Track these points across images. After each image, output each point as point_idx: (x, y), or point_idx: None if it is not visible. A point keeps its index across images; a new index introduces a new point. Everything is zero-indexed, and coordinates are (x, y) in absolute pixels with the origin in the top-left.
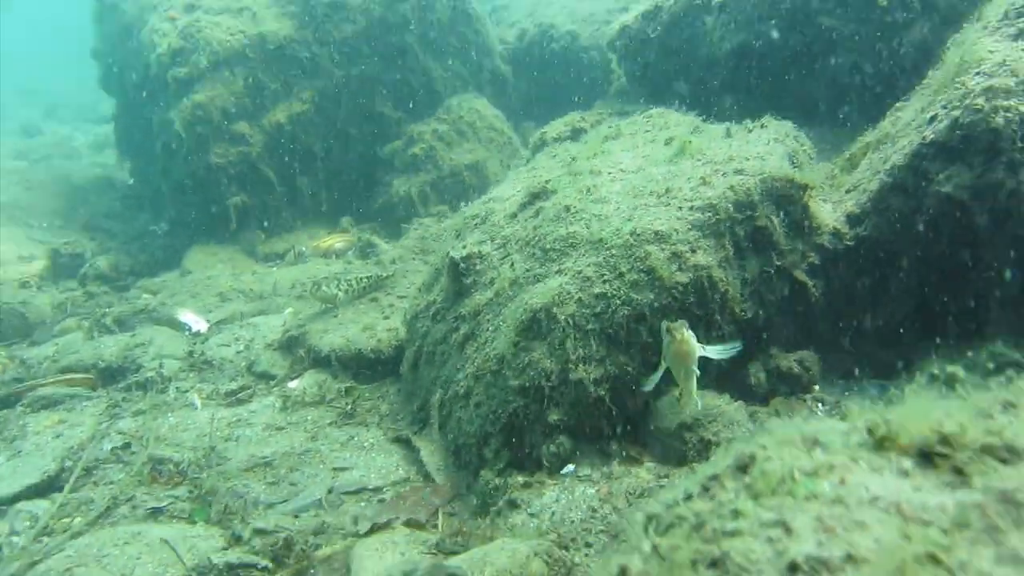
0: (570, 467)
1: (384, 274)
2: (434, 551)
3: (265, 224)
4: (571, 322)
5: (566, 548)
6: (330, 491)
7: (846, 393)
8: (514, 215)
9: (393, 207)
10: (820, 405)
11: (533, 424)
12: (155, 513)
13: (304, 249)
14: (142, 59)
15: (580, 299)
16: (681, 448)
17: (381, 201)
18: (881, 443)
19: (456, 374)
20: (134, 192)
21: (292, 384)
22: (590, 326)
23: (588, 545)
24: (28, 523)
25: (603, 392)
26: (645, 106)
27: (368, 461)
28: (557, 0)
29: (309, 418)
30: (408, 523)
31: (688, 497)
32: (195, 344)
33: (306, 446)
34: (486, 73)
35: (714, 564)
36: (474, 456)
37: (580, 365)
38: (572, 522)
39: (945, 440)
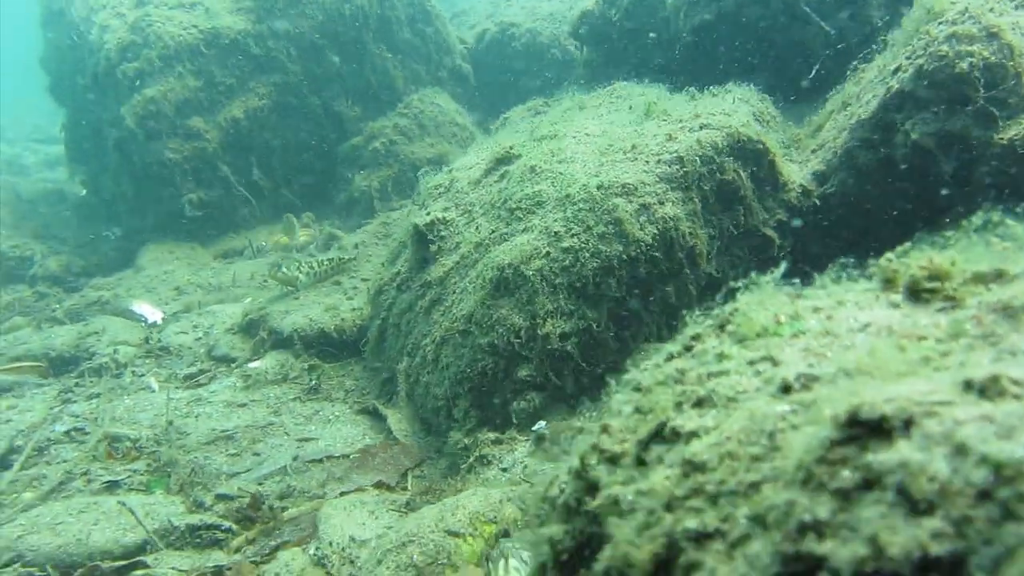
0: (541, 423)
1: (346, 256)
2: (403, 510)
3: (222, 221)
4: (539, 276)
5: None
6: (295, 459)
7: None
8: (478, 181)
9: (354, 202)
10: None
11: (502, 382)
12: (111, 486)
13: (264, 244)
14: (91, 59)
15: (548, 253)
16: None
17: (342, 196)
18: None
19: (423, 340)
20: (86, 202)
21: (253, 364)
22: (559, 280)
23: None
24: None
25: (572, 347)
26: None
27: (333, 432)
28: (516, 0)
29: (272, 395)
30: (377, 485)
31: (669, 358)
32: (151, 332)
33: (269, 420)
34: (445, 71)
35: (700, 403)
36: (443, 419)
37: (549, 320)
38: (544, 474)
39: (935, 275)
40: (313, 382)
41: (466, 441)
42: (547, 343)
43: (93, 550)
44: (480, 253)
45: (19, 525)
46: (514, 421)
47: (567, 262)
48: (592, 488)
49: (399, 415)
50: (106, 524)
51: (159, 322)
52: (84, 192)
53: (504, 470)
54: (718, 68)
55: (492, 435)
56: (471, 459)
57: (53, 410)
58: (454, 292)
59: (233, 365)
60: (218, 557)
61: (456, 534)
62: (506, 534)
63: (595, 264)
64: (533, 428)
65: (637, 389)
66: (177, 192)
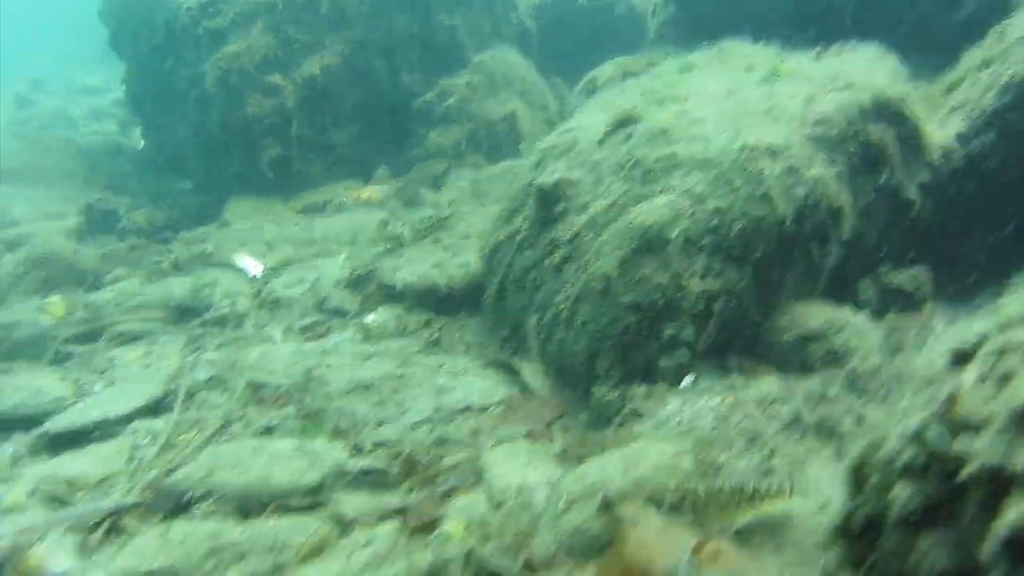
0: (689, 379)
1: (444, 215)
2: (559, 460)
3: (298, 177)
4: (684, 237)
5: (708, 448)
6: (438, 409)
7: (958, 309)
8: (601, 142)
9: (428, 159)
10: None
11: (647, 339)
12: (268, 431)
13: (345, 200)
14: (165, 14)
15: (693, 214)
16: (805, 360)
17: (415, 152)
18: None
19: (554, 297)
20: (145, 156)
21: (368, 318)
22: (704, 241)
23: (727, 449)
24: (147, 439)
25: (718, 305)
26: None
27: (467, 384)
28: None
29: (394, 347)
30: (528, 436)
31: None
32: (261, 285)
33: (400, 371)
34: (512, 27)
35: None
36: (582, 374)
37: (694, 279)
38: (703, 429)
39: None
40: (434, 336)
41: (611, 396)
42: (693, 302)
43: (276, 489)
44: (614, 214)
45: (201, 464)
46: (661, 377)
47: (713, 223)
48: None
49: (532, 368)
50: (282, 465)
51: (258, 276)
52: (142, 145)
53: (658, 424)
54: (824, 24)
55: (642, 390)
56: (623, 413)
57: (188, 358)
58: (588, 251)
59: (347, 318)
60: (392, 499)
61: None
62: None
63: (741, 226)
64: (682, 384)
65: None
66: (257, 147)
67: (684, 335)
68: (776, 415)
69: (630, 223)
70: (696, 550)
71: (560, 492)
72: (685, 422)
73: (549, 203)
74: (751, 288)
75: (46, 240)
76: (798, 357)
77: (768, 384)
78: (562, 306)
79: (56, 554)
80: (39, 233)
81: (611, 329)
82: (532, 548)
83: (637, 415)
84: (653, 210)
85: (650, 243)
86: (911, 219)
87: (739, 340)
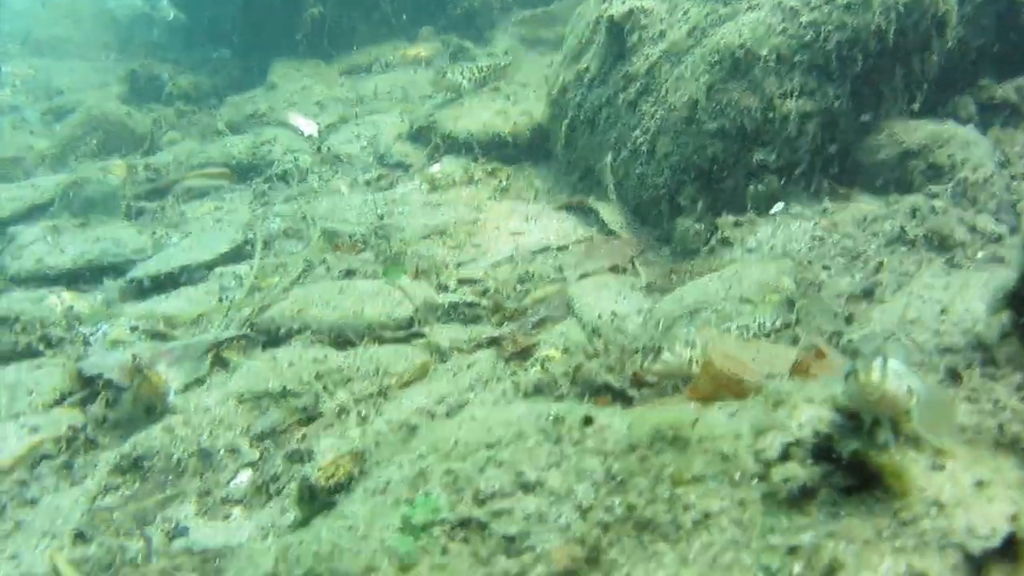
0: (779, 206)
1: (502, 63)
2: (646, 292)
3: (339, 39)
4: (776, 55)
5: (808, 268)
6: (517, 249)
7: None
8: None
9: (473, 15)
10: None
11: (735, 167)
12: (349, 274)
13: (391, 59)
14: None
15: (785, 30)
16: (905, 178)
17: (460, 10)
18: None
19: (630, 133)
20: (178, 25)
21: (433, 169)
22: (797, 58)
23: (826, 268)
24: (234, 282)
25: (812, 127)
26: None
27: (543, 226)
28: None
29: (463, 195)
30: (612, 269)
31: None
32: (321, 142)
33: (473, 217)
34: None
35: None
36: (664, 208)
37: (787, 100)
38: (798, 251)
39: None
40: (502, 184)
41: (697, 227)
42: (785, 124)
43: (370, 322)
44: (696, 38)
45: (292, 302)
46: (749, 205)
47: (807, 38)
48: None
49: (609, 207)
50: (372, 301)
51: (314, 134)
52: (171, 16)
53: (750, 250)
54: None
55: (730, 219)
56: (713, 242)
57: (258, 210)
58: (666, 81)
59: (409, 171)
60: (484, 331)
61: (748, 300)
62: (789, 303)
63: (839, 38)
64: (772, 211)
65: None
66: (299, 7)
67: (775, 160)
68: (877, 232)
69: (715, 46)
70: (798, 364)
71: (658, 315)
72: (778, 247)
73: (621, 36)
74: (847, 106)
75: (97, 105)
76: (897, 175)
77: (865, 205)
78: (640, 141)
79: (174, 375)
80: (87, 100)
81: (696, 159)
82: (636, 366)
83: (726, 244)
84: (740, 29)
85: (737, 65)
86: (1019, 24)
87: (833, 163)
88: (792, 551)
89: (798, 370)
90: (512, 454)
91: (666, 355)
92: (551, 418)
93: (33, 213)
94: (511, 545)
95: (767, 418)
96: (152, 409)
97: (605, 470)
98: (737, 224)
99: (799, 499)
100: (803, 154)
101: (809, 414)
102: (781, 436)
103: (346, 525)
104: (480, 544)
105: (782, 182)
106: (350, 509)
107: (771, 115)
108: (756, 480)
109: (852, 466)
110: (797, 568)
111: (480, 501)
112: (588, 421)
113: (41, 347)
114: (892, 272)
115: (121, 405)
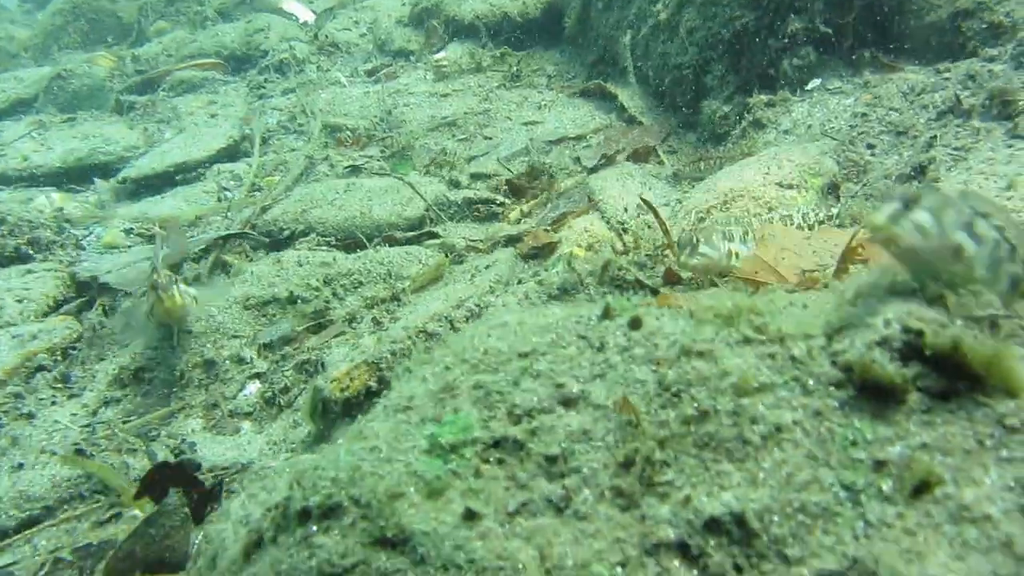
0: (816, 81)
1: None
2: (672, 182)
3: None
4: None
5: (852, 147)
6: (532, 140)
7: None
8: None
9: None
10: None
11: (767, 39)
12: (354, 171)
13: None
14: None
15: None
16: (957, 41)
17: None
18: None
19: (651, 7)
20: None
21: (438, 56)
22: None
23: (871, 147)
24: (233, 181)
25: None
26: None
27: (556, 115)
28: None
29: (472, 84)
30: (633, 156)
31: None
32: (316, 29)
33: (483, 107)
34: None
35: None
36: (688, 89)
37: None
38: (838, 131)
39: None
40: (513, 69)
41: (725, 109)
42: None
43: (378, 222)
44: None
45: (296, 201)
46: (782, 82)
47: None
48: None
49: (628, 92)
50: (380, 200)
51: (310, 22)
52: None
53: (785, 132)
54: None
55: (763, 98)
56: (743, 124)
57: (255, 104)
58: None
59: (412, 59)
60: (500, 228)
61: (789, 186)
62: (833, 187)
63: None
64: (807, 87)
65: None
66: None
67: (812, 30)
68: (927, 104)
69: None
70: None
71: (688, 206)
72: (816, 127)
73: None
74: None
75: None
76: (948, 39)
77: (913, 75)
78: (662, 15)
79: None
80: None
81: (724, 32)
82: (669, 262)
83: (758, 126)
84: None
85: None
86: None
87: (875, 30)
88: (879, 466)
89: (850, 258)
90: (550, 364)
91: (703, 248)
92: (593, 322)
93: (17, 108)
94: (552, 466)
95: (843, 314)
96: (169, 330)
97: (657, 380)
98: (770, 104)
99: (885, 407)
100: (844, 20)
101: (898, 309)
102: (862, 335)
103: (367, 446)
104: (517, 466)
105: (819, 54)
106: (370, 428)
107: None
108: (834, 387)
109: (947, 366)
110: (886, 486)
111: (516, 418)
112: (635, 324)
113: (31, 251)
114: (945, 147)
115: (133, 320)
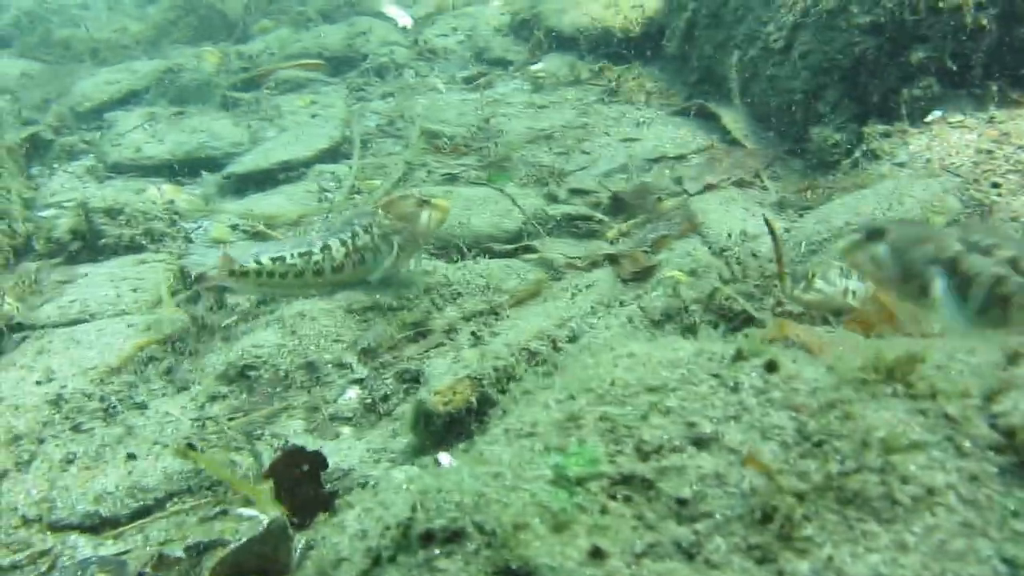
0: (936, 113)
1: None
2: (777, 208)
3: None
4: None
5: (977, 185)
6: (631, 157)
7: None
8: None
9: None
10: None
11: (887, 67)
12: (450, 179)
13: None
14: None
15: None
16: None
17: None
18: None
19: (762, 28)
20: None
21: (535, 67)
22: None
23: (996, 185)
24: (333, 182)
25: (986, 20)
26: None
27: (656, 133)
28: None
29: (569, 97)
30: (738, 183)
31: None
32: (415, 34)
33: (580, 121)
34: None
35: None
36: (797, 115)
37: None
38: (959, 167)
39: None
40: (612, 84)
41: (837, 137)
42: (956, 17)
43: (477, 232)
44: None
45: None
46: (903, 112)
47: None
48: None
49: (732, 115)
50: (478, 210)
51: (408, 26)
52: None
53: (900, 165)
54: None
55: (879, 127)
56: (856, 154)
57: (354, 106)
58: None
59: (511, 69)
60: (600, 246)
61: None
62: (955, 223)
63: None
64: (927, 119)
65: None
66: None
67: (936, 60)
68: None
69: None
70: None
71: (799, 236)
72: (935, 161)
73: None
74: None
75: None
76: None
77: None
78: (774, 37)
79: None
80: None
81: (841, 58)
82: (779, 293)
83: (873, 156)
84: None
85: None
86: None
87: (1003, 63)
88: None
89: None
90: (681, 401)
91: (819, 283)
92: (726, 360)
93: (129, 99)
94: (683, 509)
95: (1002, 374)
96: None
97: (797, 428)
98: (886, 134)
99: None
100: (974, 52)
101: None
102: None
103: (491, 472)
104: (645, 505)
105: (942, 85)
106: (492, 452)
107: (939, 5)
108: (993, 451)
109: None
110: None
111: (644, 454)
112: (772, 367)
113: (144, 241)
114: None
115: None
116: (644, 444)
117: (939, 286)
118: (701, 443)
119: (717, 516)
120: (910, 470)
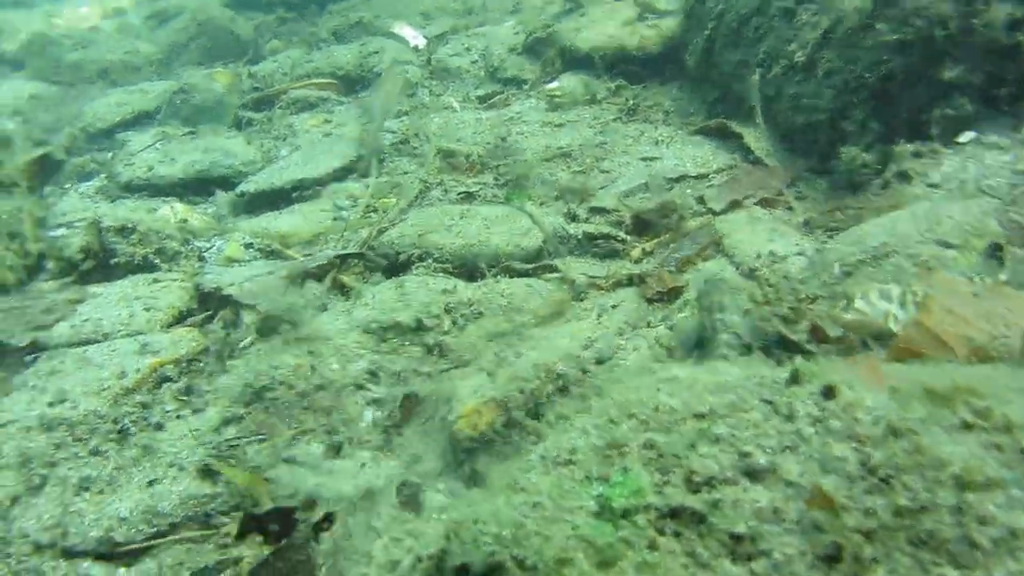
0: (970, 133)
1: None
2: (804, 229)
3: None
4: None
5: (1012, 206)
6: (652, 177)
7: None
8: None
9: None
10: None
11: (916, 86)
12: (467, 198)
13: None
14: None
15: None
16: None
17: None
18: None
19: (784, 46)
20: None
21: (551, 86)
22: None
23: None
24: (349, 201)
25: (1022, 39)
26: None
27: (676, 152)
28: None
29: (586, 115)
30: (763, 202)
31: None
32: (428, 54)
33: (598, 139)
34: None
35: None
36: (821, 135)
37: (993, 3)
38: (993, 188)
39: None
40: (630, 103)
41: (865, 156)
42: (989, 34)
43: (496, 251)
44: None
45: (411, 225)
46: (934, 133)
47: None
48: None
49: (754, 133)
50: (498, 228)
51: (420, 46)
52: None
53: (933, 186)
54: None
55: (909, 148)
56: (887, 175)
57: (367, 126)
58: None
59: (525, 87)
60: (622, 265)
61: (949, 245)
62: (996, 248)
63: None
64: (960, 140)
65: None
66: None
67: (969, 78)
68: None
69: None
70: None
71: (831, 258)
72: (970, 183)
73: None
74: None
75: (202, 9)
76: None
77: None
78: (797, 55)
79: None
80: (190, 5)
81: (868, 76)
82: (814, 318)
83: (904, 177)
84: None
85: None
86: None
87: None
88: None
89: None
90: (731, 429)
91: (859, 304)
92: (779, 385)
93: (141, 119)
94: (738, 546)
95: None
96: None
97: (860, 461)
98: (917, 154)
99: None
100: (1007, 72)
101: None
102: None
103: (529, 501)
104: (697, 541)
105: (975, 105)
106: (529, 480)
107: (972, 22)
108: None
109: None
110: None
111: (694, 486)
112: (829, 393)
113: (157, 260)
114: None
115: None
116: (693, 474)
117: None
118: (755, 475)
119: (776, 555)
120: (989, 510)
